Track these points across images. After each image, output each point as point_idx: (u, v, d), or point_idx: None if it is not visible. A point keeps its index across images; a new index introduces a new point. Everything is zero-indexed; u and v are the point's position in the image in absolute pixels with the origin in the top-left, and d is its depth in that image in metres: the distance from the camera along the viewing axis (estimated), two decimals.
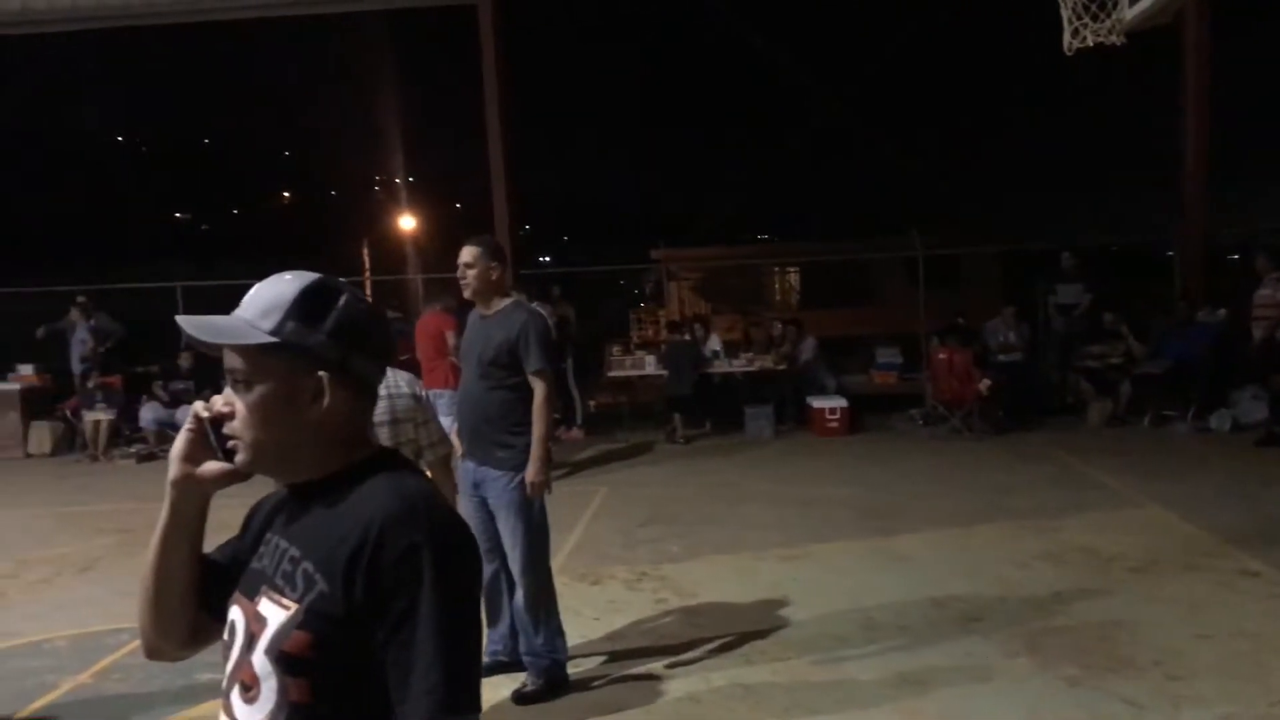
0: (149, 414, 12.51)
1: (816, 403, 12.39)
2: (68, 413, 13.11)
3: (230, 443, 1.59)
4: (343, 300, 1.60)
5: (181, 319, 1.58)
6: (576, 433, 12.50)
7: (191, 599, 1.67)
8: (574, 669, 5.08)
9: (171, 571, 1.65)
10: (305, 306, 1.56)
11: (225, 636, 1.61)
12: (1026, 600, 5.99)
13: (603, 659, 5.32)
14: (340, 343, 1.56)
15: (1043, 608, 5.85)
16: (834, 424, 12.12)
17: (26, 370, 13.42)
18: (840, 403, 12.31)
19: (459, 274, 4.85)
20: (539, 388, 4.74)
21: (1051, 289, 13.12)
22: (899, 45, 20.38)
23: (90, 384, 12.72)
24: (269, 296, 1.58)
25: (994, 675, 4.94)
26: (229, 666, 1.58)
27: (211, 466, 1.62)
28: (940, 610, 5.88)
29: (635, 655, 5.35)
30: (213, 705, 4.94)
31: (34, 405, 13.19)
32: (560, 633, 4.95)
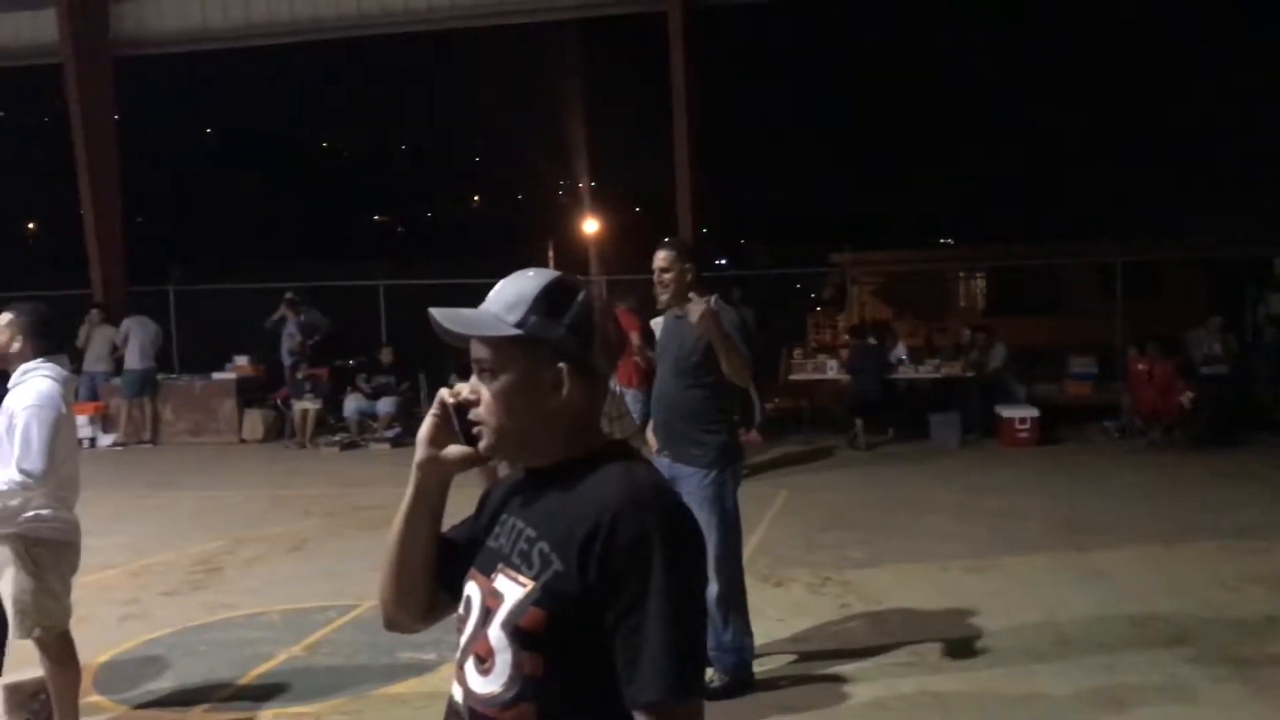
0: (352, 405, 13.23)
1: (1006, 412, 12.03)
2: (278, 402, 13.98)
3: (475, 428, 1.70)
4: (581, 297, 1.68)
5: (434, 311, 1.69)
6: (755, 435, 12.51)
7: (429, 575, 1.77)
8: (759, 668, 5.12)
9: (412, 548, 1.76)
10: (547, 301, 1.64)
11: (460, 610, 1.70)
12: (1236, 624, 5.69)
13: (788, 660, 5.34)
14: (578, 336, 1.64)
15: (1255, 633, 5.55)
16: (1024, 434, 11.75)
17: (242, 361, 14.38)
18: (1031, 412, 11.92)
19: (655, 278, 4.95)
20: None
21: (1262, 298, 12.37)
22: (1096, 48, 19.55)
23: (299, 375, 13.53)
24: (514, 292, 1.67)
25: (1199, 699, 4.72)
26: (464, 639, 1.66)
27: (455, 450, 1.72)
28: (1140, 629, 5.65)
29: (820, 658, 5.35)
30: (414, 683, 5.24)
31: (248, 394, 14.13)
32: (748, 631, 5.00)
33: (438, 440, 1.72)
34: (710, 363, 4.81)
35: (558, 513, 1.61)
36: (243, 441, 13.82)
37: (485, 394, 1.66)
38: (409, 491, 1.75)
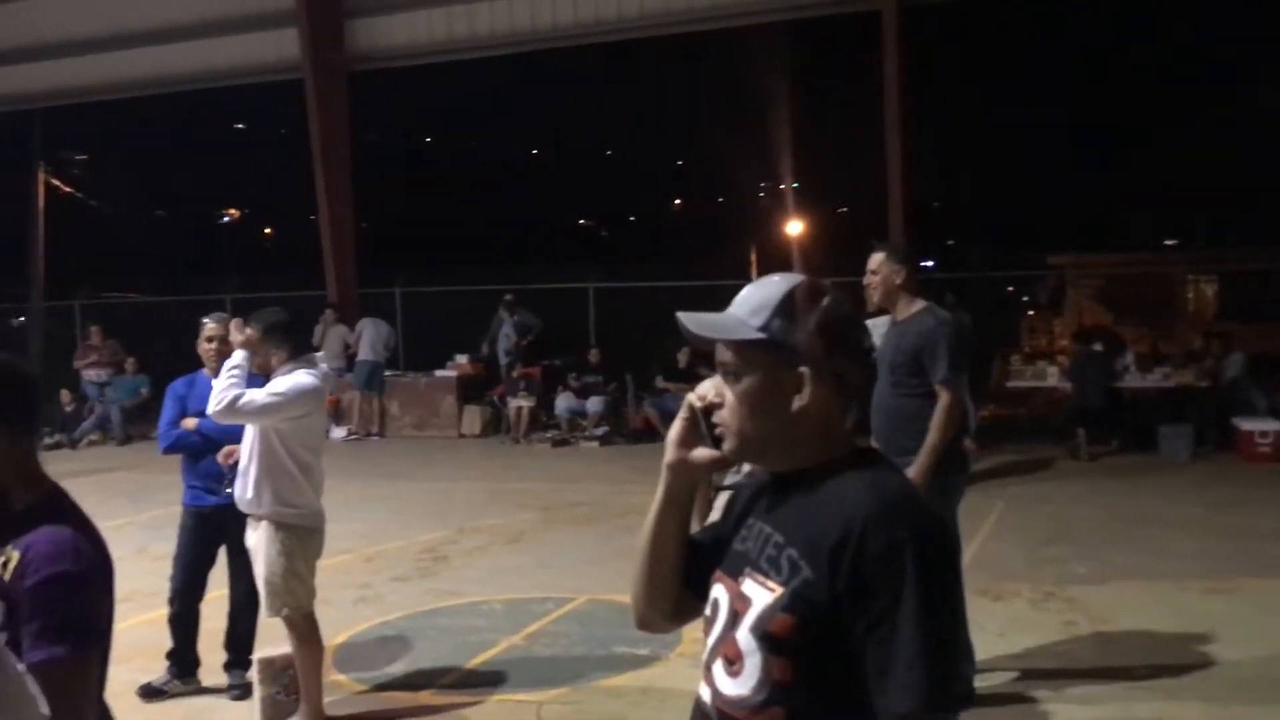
0: (563, 403, 13.63)
1: (1244, 424, 11.24)
2: (495, 399, 14.55)
3: (718, 430, 1.72)
4: (826, 301, 1.67)
5: (681, 315, 1.73)
6: (970, 444, 12.11)
7: (679, 575, 1.80)
8: (978, 683, 4.97)
9: (662, 548, 1.80)
10: (791, 306, 1.65)
11: (708, 612, 1.72)
12: None
13: (1009, 677, 5.17)
14: (822, 341, 1.63)
15: None
16: (1265, 449, 10.95)
17: (462, 360, 15.04)
18: (1273, 425, 11.10)
19: (865, 279, 4.89)
20: (943, 398, 4.65)
21: None
22: None
23: (514, 374, 14.04)
24: (759, 296, 1.69)
25: None
26: (711, 640, 1.68)
27: (701, 453, 1.74)
28: None
29: (1044, 677, 5.15)
30: (631, 676, 5.34)
31: (467, 391, 14.77)
32: (968, 644, 4.87)
33: (687, 442, 1.75)
34: (923, 372, 4.70)
35: (806, 519, 1.61)
36: (462, 436, 14.43)
37: (729, 397, 1.69)
38: (659, 493, 1.79)
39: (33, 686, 1.51)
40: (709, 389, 1.75)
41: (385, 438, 14.62)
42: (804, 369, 1.62)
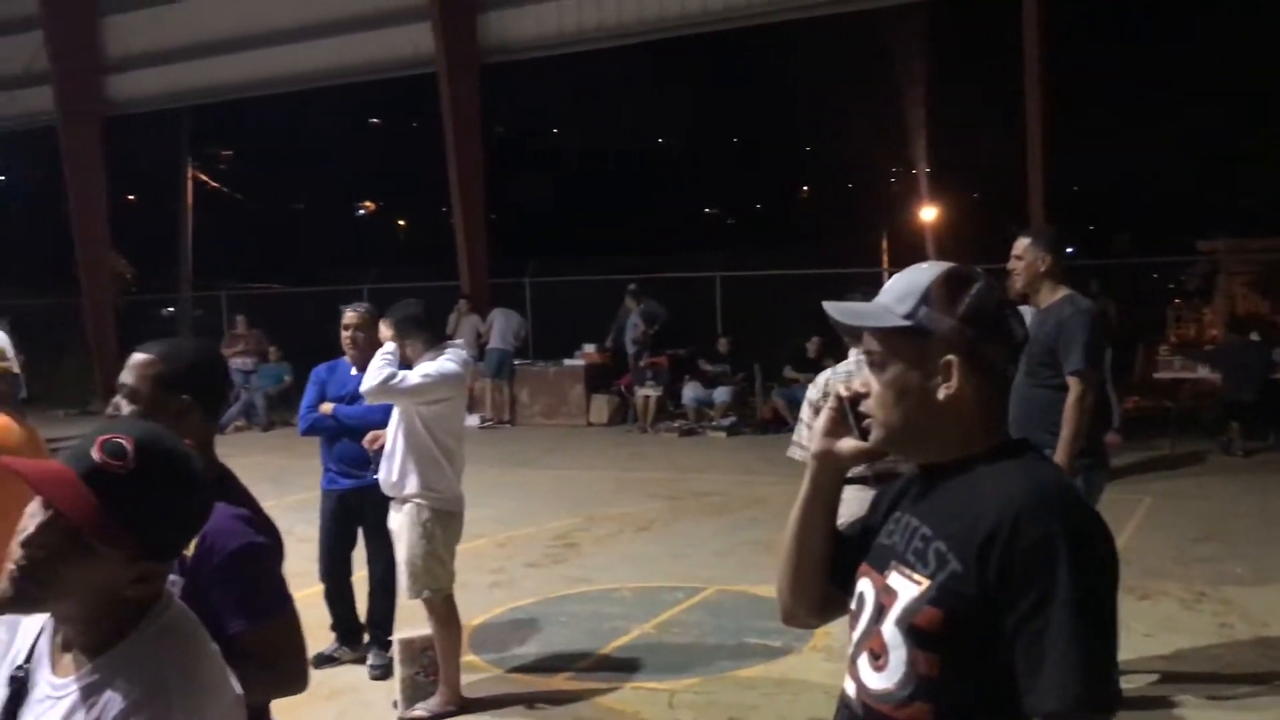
0: (690, 393, 13.63)
1: None
2: (622, 388, 14.65)
3: (865, 421, 1.68)
4: (976, 288, 1.62)
5: (828, 305, 1.69)
6: (1114, 437, 11.66)
7: (825, 568, 1.77)
8: (1125, 684, 4.78)
9: (809, 540, 1.77)
10: (939, 293, 1.60)
11: (853, 606, 1.69)
12: None
13: (1154, 678, 4.96)
14: (970, 328, 1.58)
15: None
16: None
17: (590, 349, 15.18)
18: None
19: (1009, 265, 4.75)
20: (1074, 389, 4.47)
21: None
22: None
23: (641, 363, 14.10)
24: (906, 283, 1.65)
25: None
26: (856, 634, 1.65)
27: (848, 443, 1.71)
28: None
29: (1195, 680, 4.93)
30: (763, 668, 5.31)
31: (595, 380, 14.89)
32: None
33: (834, 433, 1.72)
34: (1057, 362, 4.54)
35: (955, 511, 1.57)
36: (590, 424, 14.56)
37: (875, 386, 1.65)
38: (805, 484, 1.76)
39: (224, 667, 1.57)
40: (856, 379, 1.72)
41: (515, 425, 14.87)
42: (951, 357, 1.58)
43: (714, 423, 13.48)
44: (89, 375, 17.62)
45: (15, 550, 1.46)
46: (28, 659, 1.56)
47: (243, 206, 29.53)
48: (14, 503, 3.42)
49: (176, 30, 17.28)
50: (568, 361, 15.16)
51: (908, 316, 1.61)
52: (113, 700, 1.43)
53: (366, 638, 5.60)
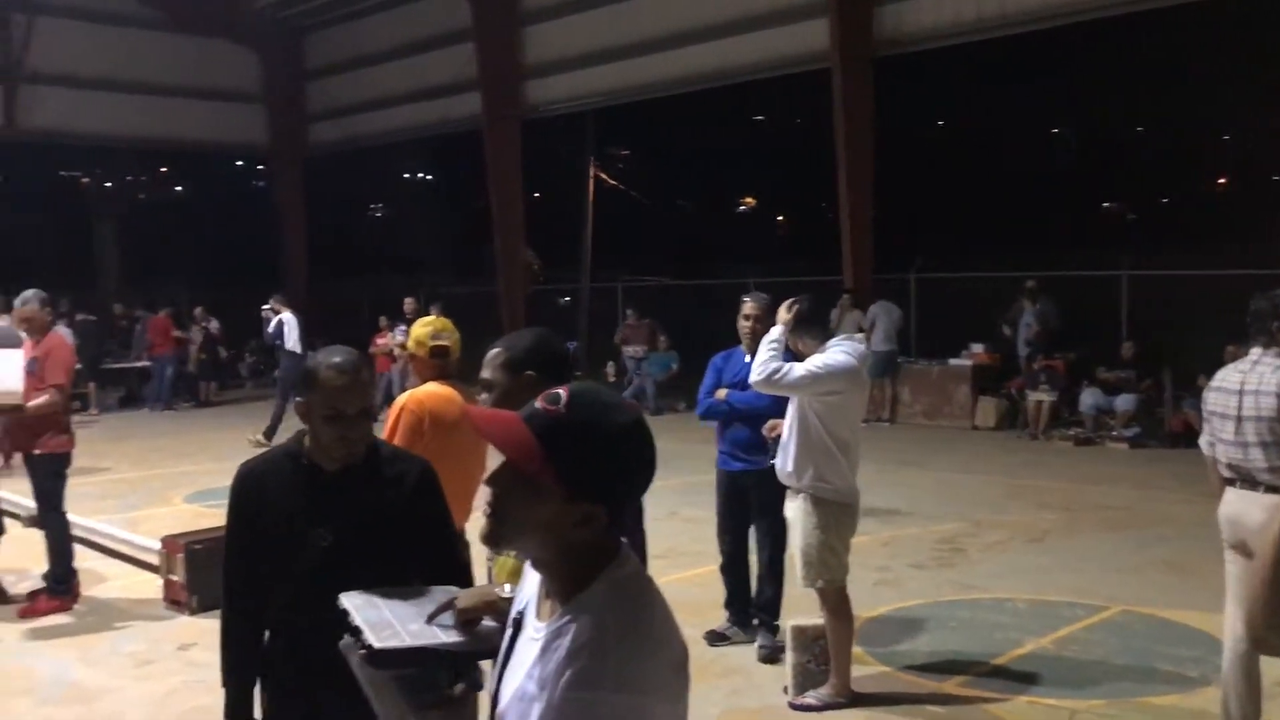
0: (1089, 399, 12.79)
1: None
2: (1012, 391, 13.99)
3: None
4: None
5: None
6: None
7: None
8: None
9: None
10: None
11: None
12: None
13: None
14: None
15: None
16: None
17: (978, 349, 14.63)
18: None
19: None
20: None
21: None
22: None
23: (1035, 365, 13.41)
24: None
25: None
26: None
27: None
28: None
29: None
30: (1175, 698, 4.91)
31: (982, 381, 14.33)
32: None
33: None
34: None
35: None
36: (975, 428, 14.03)
37: None
38: None
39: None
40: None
41: (894, 424, 14.62)
42: None
43: (1114, 432, 12.56)
44: None
45: (486, 490, 1.66)
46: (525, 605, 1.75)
47: (637, 204, 31.08)
48: (468, 451, 3.87)
49: (586, 37, 18.51)
50: (954, 361, 14.70)
51: None
52: (562, 644, 1.56)
53: (756, 620, 5.75)
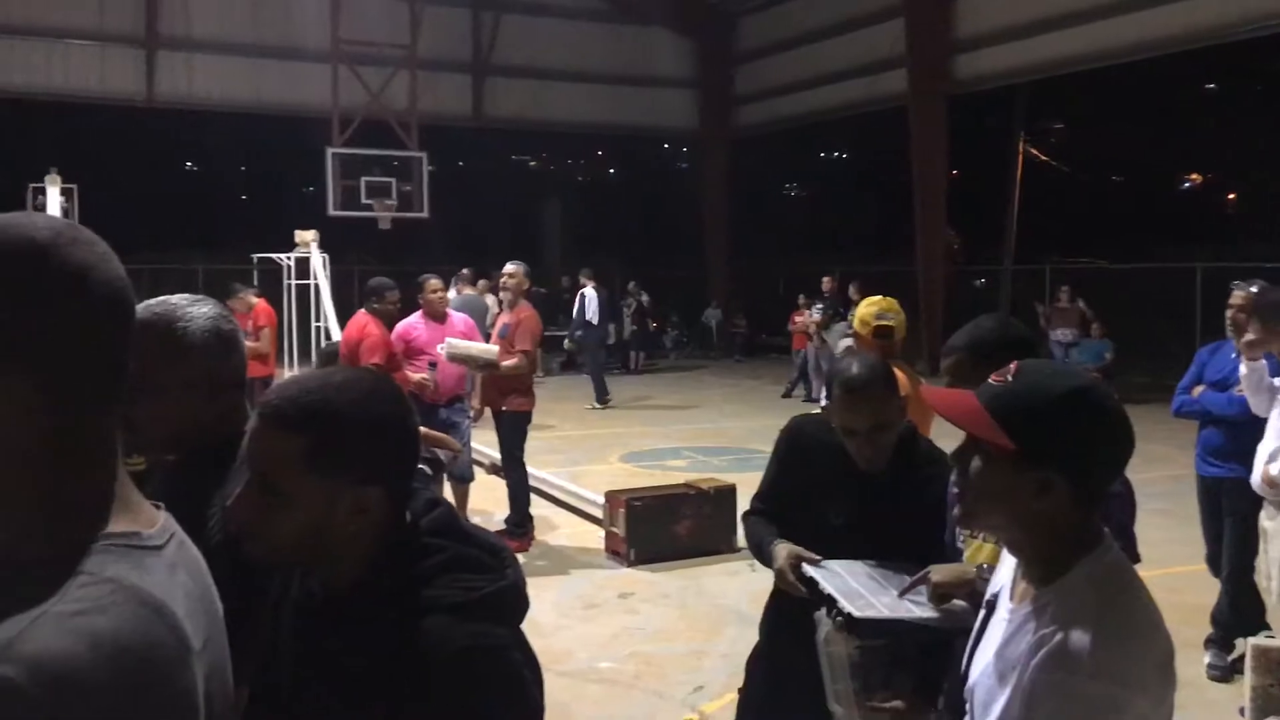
0: None
1: None
2: None
3: None
4: None
5: None
6: None
7: None
8: None
9: None
10: None
11: None
12: None
13: None
14: None
15: None
16: None
17: None
18: None
19: None
20: None
21: None
22: None
23: None
24: None
25: None
26: None
27: None
28: None
29: None
30: None
31: None
32: None
33: None
34: None
35: None
36: None
37: None
38: None
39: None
40: None
41: None
42: None
43: None
44: (916, 340, 18.77)
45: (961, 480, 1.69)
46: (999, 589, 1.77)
47: (1071, 180, 29.21)
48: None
49: (1025, 7, 17.46)
50: None
51: None
52: (1037, 626, 1.57)
53: (1205, 637, 5.28)
